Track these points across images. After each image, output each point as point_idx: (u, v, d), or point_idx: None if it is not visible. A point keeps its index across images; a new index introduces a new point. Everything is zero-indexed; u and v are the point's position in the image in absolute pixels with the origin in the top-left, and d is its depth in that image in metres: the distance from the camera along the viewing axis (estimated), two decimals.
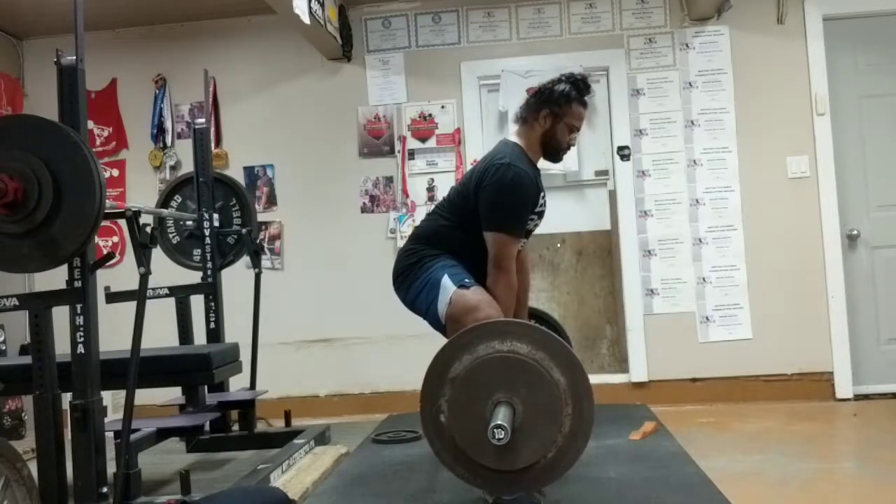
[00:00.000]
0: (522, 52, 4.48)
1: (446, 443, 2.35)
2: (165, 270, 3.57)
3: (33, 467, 2.14)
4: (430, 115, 4.50)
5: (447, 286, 2.74)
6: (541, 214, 2.95)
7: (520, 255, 2.96)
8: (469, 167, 4.43)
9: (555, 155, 2.95)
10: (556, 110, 2.85)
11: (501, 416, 2.19)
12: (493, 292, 2.75)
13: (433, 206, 3.17)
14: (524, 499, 2.50)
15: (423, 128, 4.51)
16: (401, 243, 4.43)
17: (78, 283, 2.37)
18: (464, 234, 2.85)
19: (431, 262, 2.84)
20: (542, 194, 2.92)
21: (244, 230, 3.77)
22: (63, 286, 2.39)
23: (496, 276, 2.76)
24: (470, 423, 2.28)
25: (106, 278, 2.87)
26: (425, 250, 2.88)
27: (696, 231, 4.35)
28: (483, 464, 2.31)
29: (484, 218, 2.78)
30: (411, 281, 2.88)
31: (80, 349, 2.38)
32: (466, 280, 2.75)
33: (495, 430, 2.15)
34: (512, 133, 2.99)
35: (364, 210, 4.54)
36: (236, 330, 3.71)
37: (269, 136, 4.60)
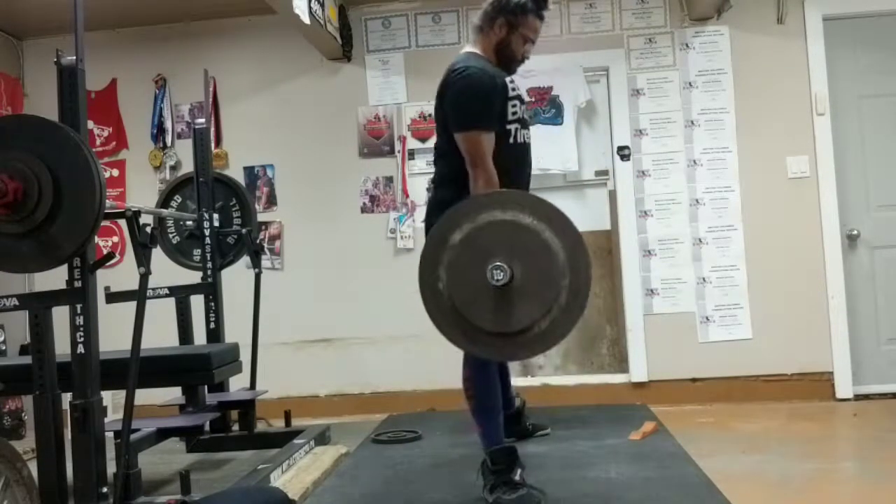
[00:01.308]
0: None
1: (444, 310, 2.32)
2: (165, 270, 3.57)
3: (33, 467, 2.14)
4: (430, 115, 4.50)
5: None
6: (520, 98, 2.86)
7: (523, 149, 2.87)
8: None
9: (508, 65, 2.90)
10: (511, 20, 2.83)
11: (500, 267, 2.19)
12: (472, 188, 2.66)
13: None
14: (525, 498, 2.51)
15: (423, 128, 4.51)
16: (401, 243, 4.46)
17: (78, 283, 2.37)
18: (453, 162, 2.76)
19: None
20: (510, 80, 2.83)
21: (244, 230, 3.77)
22: (63, 286, 2.39)
23: (474, 176, 2.67)
24: (468, 285, 2.26)
25: (106, 278, 2.87)
26: (441, 188, 2.85)
27: (696, 231, 4.35)
28: (480, 326, 2.29)
29: (452, 124, 2.72)
30: (429, 213, 2.86)
31: (80, 349, 2.38)
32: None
33: (494, 271, 2.14)
34: (469, 43, 2.96)
35: (364, 210, 4.54)
36: (236, 330, 3.71)
37: (269, 136, 4.60)
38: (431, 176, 3.11)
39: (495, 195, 2.38)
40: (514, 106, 2.80)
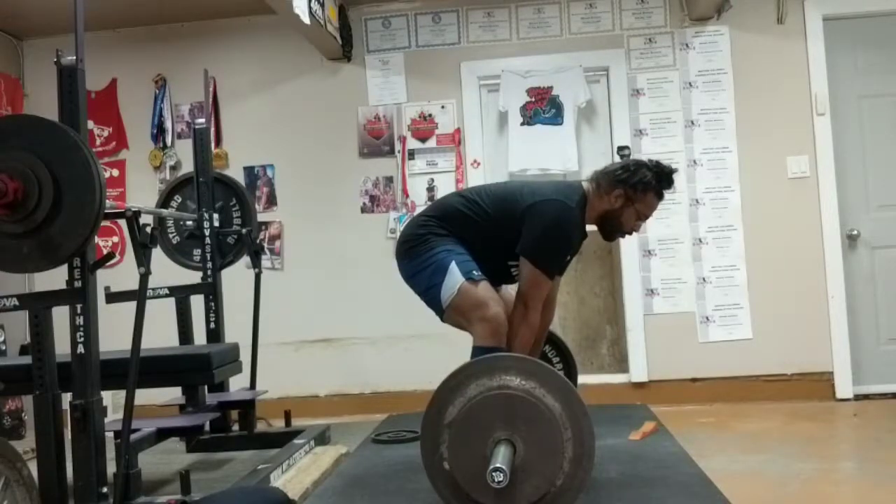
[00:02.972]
0: (522, 52, 4.48)
1: (457, 492, 2.34)
2: (165, 270, 3.57)
3: (33, 467, 2.14)
4: (430, 115, 4.50)
5: (455, 274, 2.69)
6: (572, 256, 2.93)
7: (550, 292, 2.92)
8: (469, 167, 4.44)
9: (610, 234, 2.91)
10: (630, 194, 2.79)
11: (501, 457, 2.18)
12: (514, 327, 2.71)
13: (464, 187, 3.11)
14: None
15: (423, 128, 4.51)
16: None
17: (78, 283, 2.37)
18: (481, 236, 2.81)
19: (439, 241, 2.79)
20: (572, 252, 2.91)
21: (244, 230, 3.77)
22: (63, 286, 2.39)
23: (522, 313, 2.73)
24: (473, 466, 2.26)
25: (106, 278, 2.87)
26: (436, 227, 2.82)
27: (696, 231, 4.35)
28: None
29: (528, 243, 2.73)
30: (415, 255, 2.82)
31: (80, 349, 2.37)
32: (475, 272, 2.71)
33: (493, 474, 2.14)
34: (586, 183, 2.89)
35: (364, 210, 4.54)
36: (236, 330, 3.71)
37: (269, 136, 4.60)
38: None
39: (479, 364, 2.37)
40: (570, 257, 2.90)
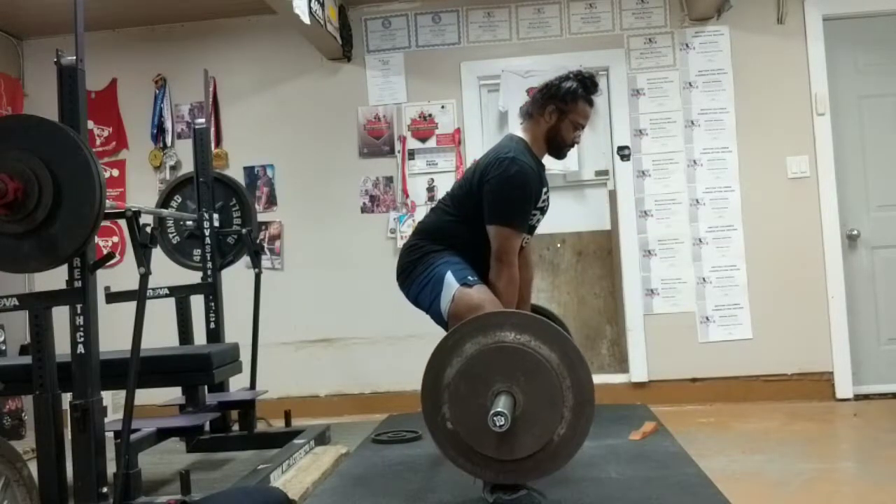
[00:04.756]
0: (522, 52, 4.48)
1: (460, 447, 2.34)
2: (165, 270, 3.57)
3: (33, 467, 2.14)
4: (430, 115, 4.50)
5: (450, 283, 2.75)
6: (543, 210, 2.96)
7: (523, 251, 2.97)
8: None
9: (559, 151, 2.97)
10: (561, 107, 2.87)
11: (501, 403, 2.20)
12: (496, 287, 2.76)
13: (436, 202, 3.18)
14: (525, 498, 2.50)
15: (423, 128, 4.51)
16: (401, 243, 4.44)
17: (78, 283, 2.37)
18: (467, 229, 2.87)
19: (434, 257, 2.85)
20: (545, 189, 2.93)
21: (244, 230, 3.77)
22: (63, 286, 2.39)
23: (498, 271, 2.77)
24: (472, 417, 2.27)
25: (106, 278, 2.87)
26: (428, 245, 2.90)
27: (696, 231, 4.35)
28: (490, 455, 2.30)
29: (487, 211, 2.79)
30: (415, 276, 2.89)
31: (80, 349, 2.38)
32: (470, 277, 2.76)
33: (494, 419, 2.15)
34: (517, 128, 3.00)
35: (364, 210, 4.54)
36: (236, 330, 3.71)
37: (269, 136, 4.60)
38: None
39: (472, 323, 2.39)
40: (534, 215, 2.91)
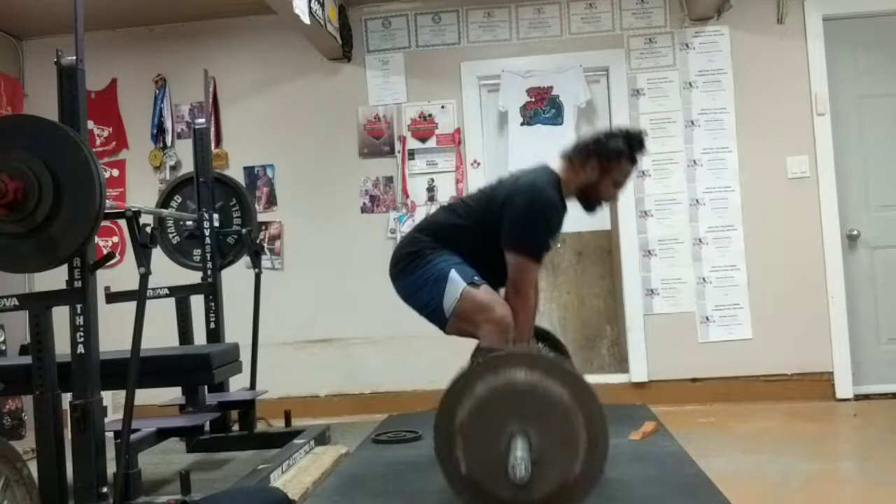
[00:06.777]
0: (522, 52, 4.48)
1: (475, 491, 2.33)
2: (165, 270, 3.57)
3: (33, 467, 2.14)
4: (430, 115, 4.50)
5: (456, 280, 2.71)
6: (548, 248, 2.92)
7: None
8: (469, 167, 4.44)
9: (591, 206, 2.92)
10: (605, 165, 2.82)
11: (519, 449, 2.17)
12: (515, 318, 2.72)
13: (443, 203, 3.15)
14: None
15: (423, 128, 4.51)
16: None
17: (78, 283, 2.37)
18: (474, 238, 2.83)
19: (434, 256, 2.81)
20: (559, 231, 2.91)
21: (244, 230, 3.77)
22: (63, 286, 2.39)
23: (517, 303, 2.74)
24: (490, 464, 2.25)
25: (106, 278, 2.87)
26: (429, 242, 2.85)
27: (696, 231, 4.35)
28: (512, 499, 2.29)
29: (508, 236, 2.75)
30: (410, 272, 2.84)
31: (80, 349, 2.37)
32: (476, 278, 2.73)
33: (516, 469, 2.13)
34: (555, 163, 2.91)
35: (364, 210, 4.54)
36: (236, 330, 3.71)
37: (269, 136, 4.60)
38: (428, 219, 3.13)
39: (484, 365, 2.37)
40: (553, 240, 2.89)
